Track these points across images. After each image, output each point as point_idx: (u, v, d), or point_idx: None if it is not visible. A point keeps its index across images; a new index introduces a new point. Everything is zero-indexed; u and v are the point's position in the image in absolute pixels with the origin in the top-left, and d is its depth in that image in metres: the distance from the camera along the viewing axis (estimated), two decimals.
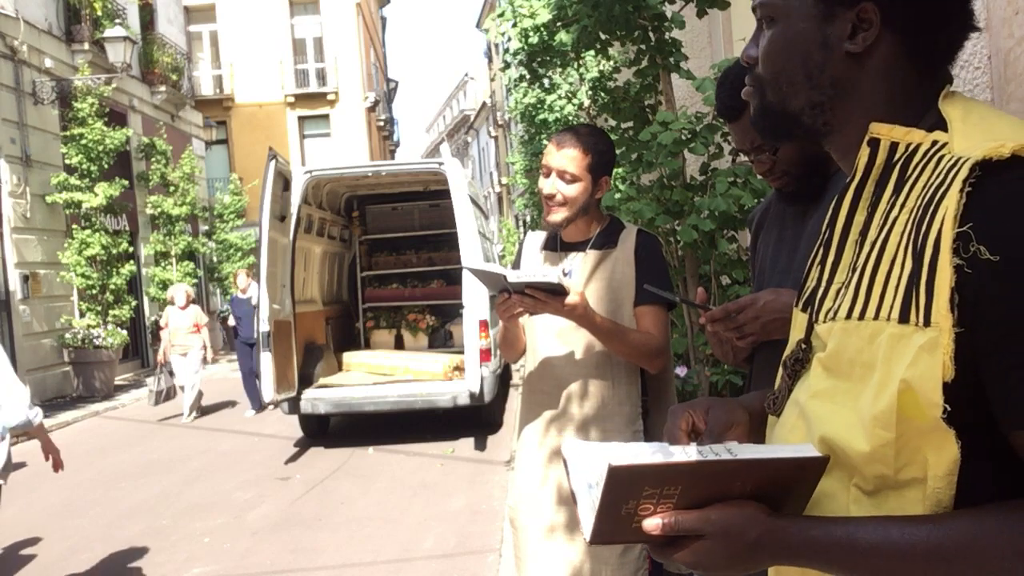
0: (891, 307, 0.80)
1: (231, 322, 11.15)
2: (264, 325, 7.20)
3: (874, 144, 0.89)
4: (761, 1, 0.97)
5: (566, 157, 2.28)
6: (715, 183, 4.11)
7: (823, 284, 0.94)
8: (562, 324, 2.30)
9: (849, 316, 0.86)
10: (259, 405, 9.61)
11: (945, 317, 0.74)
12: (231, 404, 10.83)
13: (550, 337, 2.35)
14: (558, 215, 2.31)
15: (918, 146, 0.85)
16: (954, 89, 0.91)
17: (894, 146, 0.88)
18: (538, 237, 2.53)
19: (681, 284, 4.51)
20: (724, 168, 4.30)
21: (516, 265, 2.54)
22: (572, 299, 2.09)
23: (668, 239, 4.48)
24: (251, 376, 9.47)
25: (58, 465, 3.89)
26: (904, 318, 0.78)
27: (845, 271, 0.91)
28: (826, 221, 0.96)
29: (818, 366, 0.91)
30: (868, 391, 0.81)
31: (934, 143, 0.84)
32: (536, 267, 2.28)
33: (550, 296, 2.07)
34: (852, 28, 0.90)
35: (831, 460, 0.84)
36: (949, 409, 0.74)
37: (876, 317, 0.82)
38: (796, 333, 0.99)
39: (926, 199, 0.79)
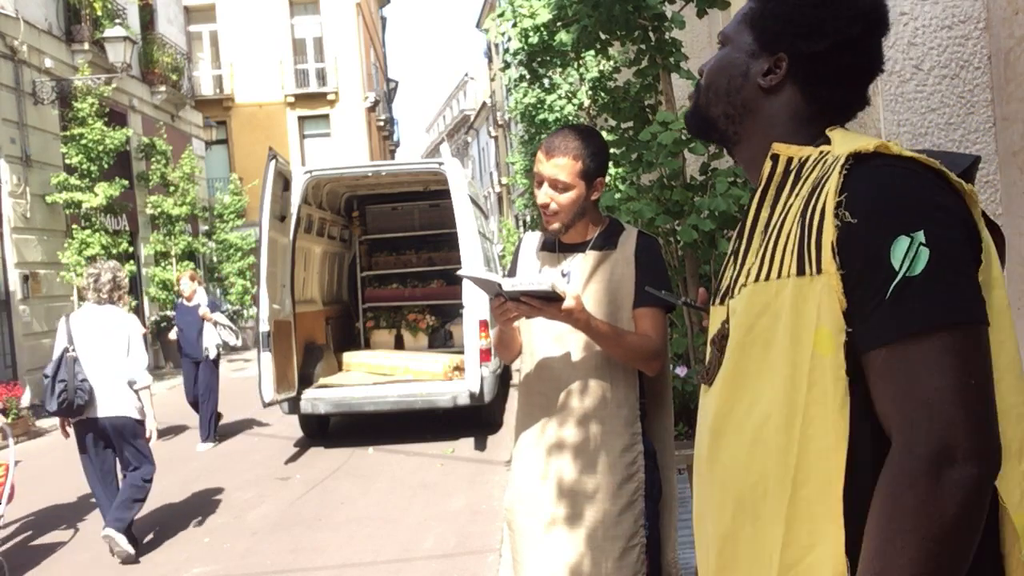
0: (790, 266, 1.04)
1: (172, 335, 8.88)
2: (264, 325, 7.20)
3: (775, 158, 1.15)
4: (723, 30, 1.27)
5: (556, 167, 2.24)
6: (715, 183, 4.11)
7: (736, 273, 1.18)
8: (559, 326, 2.29)
9: (757, 280, 1.10)
10: (214, 435, 8.30)
11: (830, 263, 0.98)
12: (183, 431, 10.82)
13: (547, 339, 2.35)
14: (556, 224, 2.30)
15: (809, 156, 1.11)
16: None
17: (789, 160, 1.13)
18: (535, 238, 2.52)
19: (681, 284, 4.51)
20: (724, 168, 4.30)
21: (513, 266, 2.53)
22: (568, 304, 2.07)
23: (668, 239, 4.48)
24: (206, 402, 8.27)
25: (149, 435, 5.11)
26: (801, 271, 1.02)
27: (753, 256, 1.13)
28: (740, 225, 1.21)
29: (732, 328, 1.14)
30: (779, 340, 1.04)
31: (821, 152, 1.09)
32: (532, 273, 2.24)
33: (545, 303, 2.07)
34: (768, 69, 1.18)
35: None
36: (850, 331, 0.97)
37: (779, 276, 1.06)
38: (717, 320, 1.22)
39: (815, 184, 1.05)
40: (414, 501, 6.01)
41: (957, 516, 0.89)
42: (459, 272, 2.41)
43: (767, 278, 1.08)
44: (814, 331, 1.00)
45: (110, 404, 4.93)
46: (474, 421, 8.08)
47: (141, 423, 5.02)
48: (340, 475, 6.90)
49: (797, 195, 1.07)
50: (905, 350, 0.94)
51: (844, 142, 1.07)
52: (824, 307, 0.99)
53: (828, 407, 0.99)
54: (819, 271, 1.00)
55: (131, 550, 4.93)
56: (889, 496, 0.93)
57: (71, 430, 5.09)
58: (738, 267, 1.17)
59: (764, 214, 1.14)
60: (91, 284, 5.17)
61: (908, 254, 0.94)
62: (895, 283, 0.94)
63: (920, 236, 0.94)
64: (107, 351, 4.97)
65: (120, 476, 5.21)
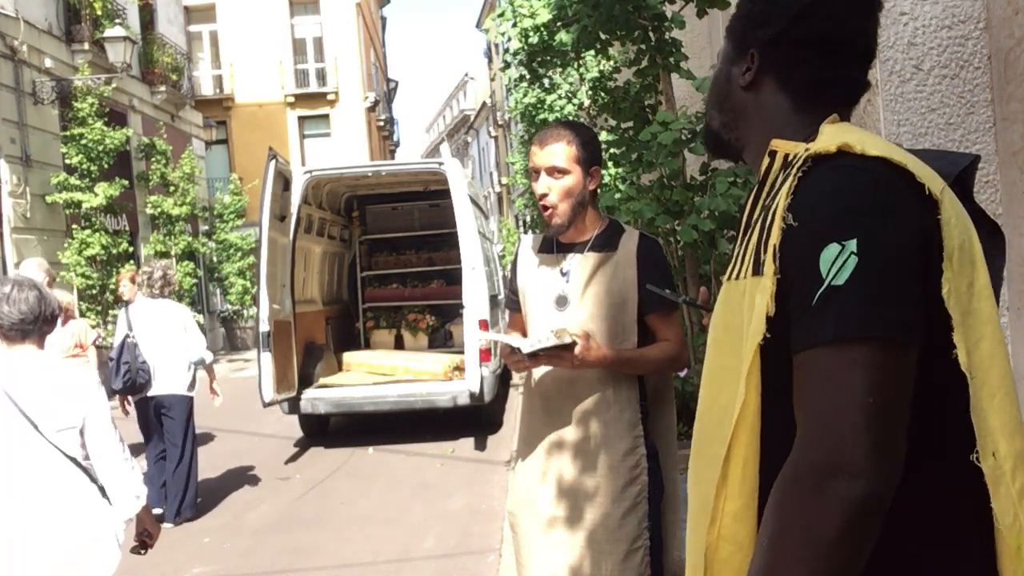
0: (749, 265, 1.05)
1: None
2: (264, 325, 7.20)
3: (772, 155, 1.13)
4: (719, 50, 1.31)
5: (551, 153, 2.27)
6: (715, 183, 4.12)
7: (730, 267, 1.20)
8: (562, 327, 2.30)
9: (729, 279, 1.13)
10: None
11: (770, 266, 0.99)
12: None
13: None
14: (557, 218, 2.30)
15: (798, 154, 1.06)
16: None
17: (787, 156, 1.10)
18: (533, 240, 2.51)
19: (681, 284, 4.51)
20: (724, 168, 4.30)
21: (514, 270, 2.53)
22: (579, 350, 2.13)
23: (668, 239, 4.48)
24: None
25: (215, 395, 6.00)
26: (756, 271, 1.03)
27: (739, 249, 1.15)
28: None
29: (710, 333, 1.18)
30: (744, 334, 1.05)
31: (806, 150, 1.05)
32: (544, 332, 2.25)
33: (560, 352, 2.14)
34: (746, 68, 1.19)
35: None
36: (768, 336, 0.98)
37: (745, 276, 1.07)
38: None
39: (780, 186, 1.04)
40: (414, 501, 6.01)
41: (838, 532, 0.87)
42: (485, 335, 2.47)
43: (738, 276, 1.10)
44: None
45: (165, 383, 5.61)
46: (474, 421, 8.08)
47: (190, 399, 5.75)
48: (340, 475, 6.90)
49: (775, 193, 1.08)
50: (816, 359, 0.93)
51: (824, 138, 1.05)
52: (759, 309, 0.99)
53: (747, 406, 1.01)
54: (762, 273, 1.01)
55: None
56: (777, 503, 0.93)
57: (131, 408, 5.69)
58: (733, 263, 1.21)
59: (757, 212, 1.14)
60: (145, 280, 5.76)
61: (836, 262, 0.92)
62: (820, 291, 0.93)
63: (852, 244, 0.92)
64: (161, 337, 5.62)
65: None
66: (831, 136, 1.04)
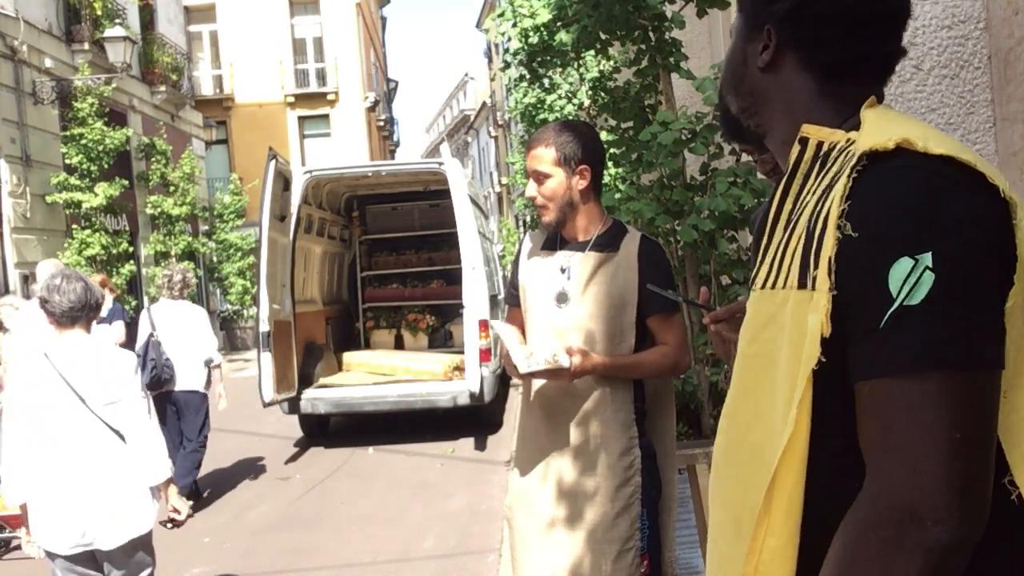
0: (794, 276, 0.93)
1: None
2: (264, 325, 7.20)
3: (804, 142, 1.01)
4: (731, 25, 1.17)
5: (535, 158, 2.33)
6: (715, 183, 4.11)
7: (756, 266, 1.07)
8: (561, 328, 2.30)
9: (764, 287, 1.01)
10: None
11: (824, 281, 0.87)
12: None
13: (550, 341, 2.35)
14: (546, 216, 2.35)
15: (837, 143, 0.97)
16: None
17: (820, 144, 0.99)
18: (537, 238, 2.53)
19: (681, 284, 4.51)
20: (724, 168, 4.30)
21: (515, 268, 2.55)
22: (574, 363, 2.16)
23: (668, 239, 4.48)
24: None
25: (219, 397, 6.23)
26: (802, 284, 0.91)
27: (772, 252, 1.03)
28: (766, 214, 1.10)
29: (742, 336, 1.05)
30: (781, 357, 0.94)
31: (848, 141, 0.95)
32: (541, 353, 2.24)
33: (556, 372, 2.19)
34: (763, 47, 1.07)
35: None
36: (823, 360, 0.87)
37: (784, 286, 0.95)
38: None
39: (828, 184, 0.92)
40: (414, 501, 6.01)
41: None
42: (495, 325, 2.48)
43: (773, 285, 0.98)
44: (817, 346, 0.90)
45: (184, 380, 5.94)
46: (474, 421, 8.08)
47: (205, 396, 6.13)
48: (340, 475, 6.90)
49: (815, 190, 0.96)
50: (889, 389, 0.82)
51: (873, 130, 0.92)
52: (810, 330, 0.89)
53: (797, 436, 0.90)
54: (814, 287, 0.89)
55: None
56: (848, 542, 0.85)
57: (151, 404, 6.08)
58: (759, 261, 1.07)
59: (787, 206, 1.02)
60: (165, 283, 6.17)
61: (909, 279, 0.81)
62: (890, 311, 0.82)
63: (927, 259, 0.80)
64: (182, 336, 5.99)
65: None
66: (878, 126, 0.93)
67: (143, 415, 2.97)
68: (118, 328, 6.90)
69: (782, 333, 0.94)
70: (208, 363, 6.14)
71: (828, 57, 1.02)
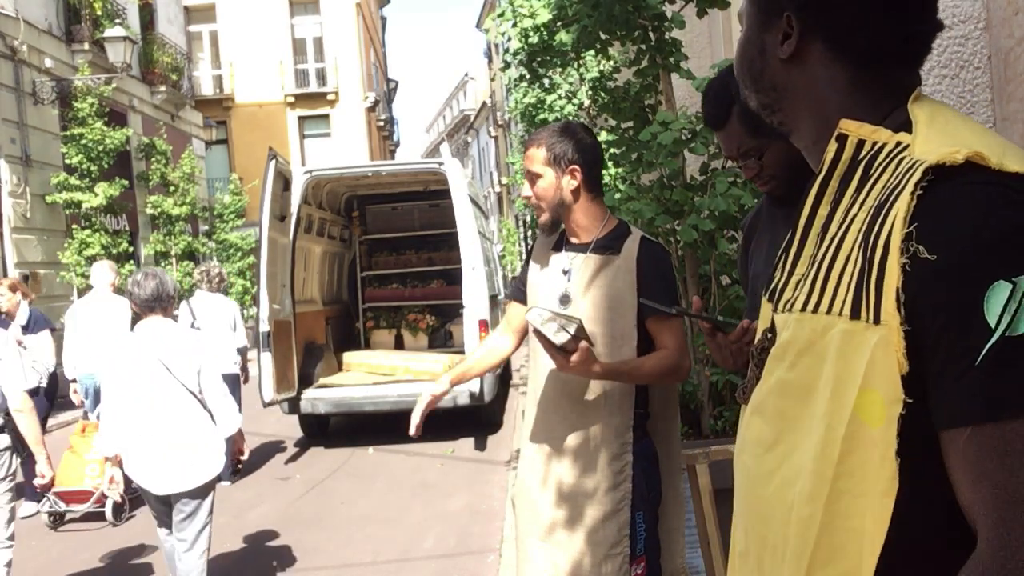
0: (843, 303, 0.82)
1: None
2: (264, 325, 7.21)
3: (841, 140, 0.90)
4: (740, 10, 1.05)
5: (528, 158, 2.37)
6: (715, 183, 4.11)
7: (784, 275, 0.97)
8: (573, 316, 2.30)
9: (804, 308, 0.89)
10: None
11: (893, 315, 0.76)
12: None
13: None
14: (541, 215, 2.37)
15: (883, 145, 0.86)
16: (933, 91, 0.94)
17: (860, 143, 0.89)
18: (546, 238, 2.52)
19: (681, 284, 4.51)
20: (724, 168, 4.30)
21: (527, 261, 2.57)
22: (572, 361, 2.08)
23: (668, 239, 4.48)
24: None
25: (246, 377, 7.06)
26: (855, 314, 0.80)
27: (805, 264, 0.92)
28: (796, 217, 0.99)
29: (772, 359, 0.94)
30: (820, 389, 0.84)
31: (898, 144, 0.85)
32: (551, 316, 2.16)
33: (558, 348, 2.09)
34: (783, 36, 0.95)
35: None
36: (910, 401, 0.75)
37: (828, 311, 0.84)
38: (763, 323, 1.01)
39: (882, 199, 0.81)
40: (414, 501, 6.01)
41: None
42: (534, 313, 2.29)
43: (816, 309, 0.86)
44: (858, 391, 0.79)
45: (220, 364, 6.45)
46: (474, 421, 8.08)
47: (238, 377, 6.75)
48: (340, 475, 6.90)
49: (864, 201, 0.85)
50: (1000, 432, 0.72)
51: (932, 135, 0.83)
52: (878, 367, 0.77)
53: (869, 487, 0.79)
54: (876, 320, 0.78)
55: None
56: None
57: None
58: (786, 271, 0.97)
59: (823, 211, 0.92)
60: (204, 277, 6.88)
61: (1009, 306, 0.71)
62: (989, 344, 0.71)
63: None
64: (218, 325, 6.63)
65: None
66: (936, 130, 0.84)
67: (217, 380, 3.67)
68: (45, 338, 6.32)
69: (821, 365, 0.84)
70: (241, 350, 6.84)
71: (863, 42, 0.91)
